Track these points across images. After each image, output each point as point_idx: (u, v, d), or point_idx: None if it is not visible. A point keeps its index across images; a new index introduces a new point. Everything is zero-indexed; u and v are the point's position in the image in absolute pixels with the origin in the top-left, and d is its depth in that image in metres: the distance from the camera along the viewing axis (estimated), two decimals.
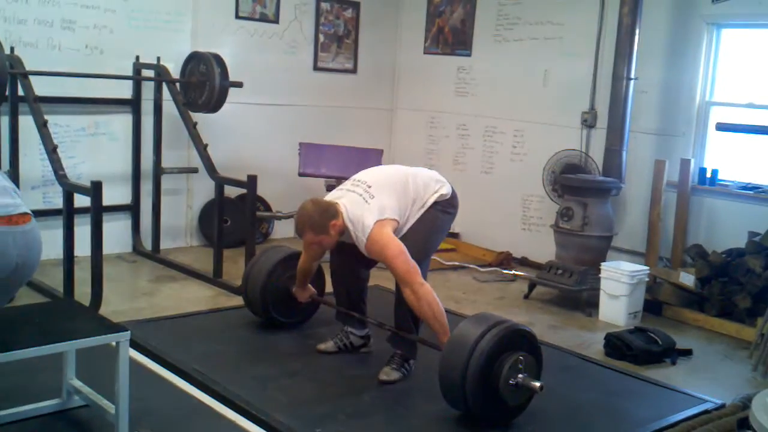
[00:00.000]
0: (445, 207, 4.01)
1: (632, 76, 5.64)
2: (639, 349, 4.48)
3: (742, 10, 5.39)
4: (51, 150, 4.83)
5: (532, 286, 5.72)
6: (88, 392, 3.21)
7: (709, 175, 5.65)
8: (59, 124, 5.70)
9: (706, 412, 3.70)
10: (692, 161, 5.65)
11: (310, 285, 4.43)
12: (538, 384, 3.34)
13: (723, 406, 3.76)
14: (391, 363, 3.94)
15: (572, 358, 4.47)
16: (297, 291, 4.40)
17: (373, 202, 3.78)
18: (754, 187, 5.44)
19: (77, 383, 3.28)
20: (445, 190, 4.02)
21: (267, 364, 4.04)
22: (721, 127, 4.97)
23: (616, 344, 4.56)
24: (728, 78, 5.66)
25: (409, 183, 3.95)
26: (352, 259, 4.04)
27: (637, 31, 5.60)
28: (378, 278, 6.01)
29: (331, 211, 3.77)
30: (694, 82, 5.68)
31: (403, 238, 3.80)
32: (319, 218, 3.77)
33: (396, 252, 3.67)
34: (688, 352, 4.65)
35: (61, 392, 3.32)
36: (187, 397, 3.60)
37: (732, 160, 5.67)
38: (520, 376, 3.33)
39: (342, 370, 4.02)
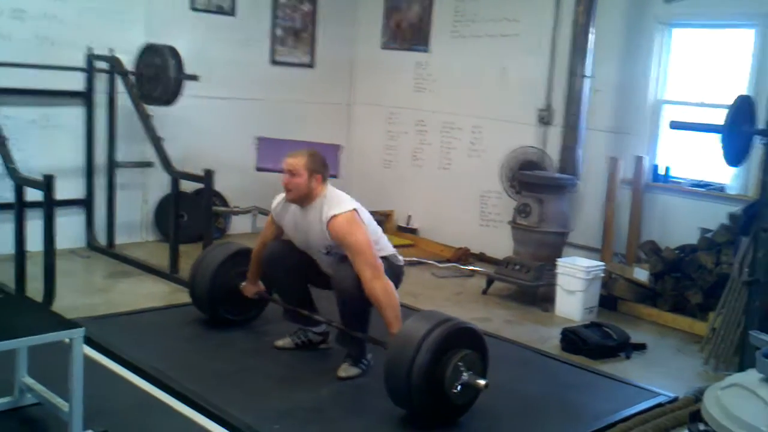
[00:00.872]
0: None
1: (587, 73, 5.70)
2: (594, 343, 4.54)
3: (694, 11, 5.49)
4: (1, 142, 4.71)
5: (489, 281, 5.76)
6: (40, 390, 3.15)
7: (662, 172, 5.75)
8: (8, 115, 5.55)
9: (659, 405, 3.77)
10: (645, 158, 5.74)
11: (260, 281, 4.37)
12: (483, 382, 3.34)
13: (676, 399, 3.84)
14: (348, 359, 3.93)
15: (529, 352, 4.52)
16: (246, 287, 4.37)
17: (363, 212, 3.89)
18: (706, 185, 5.55)
19: (29, 381, 3.21)
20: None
21: (223, 360, 4.00)
22: (675, 125, 5.03)
23: (572, 339, 4.62)
24: (680, 77, 5.76)
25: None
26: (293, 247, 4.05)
27: (591, 30, 5.66)
28: None
29: (324, 170, 3.88)
30: (647, 81, 5.77)
31: None
32: (316, 162, 3.86)
33: (367, 241, 3.71)
34: (642, 347, 4.73)
35: (12, 390, 3.25)
36: (143, 393, 3.55)
37: (684, 157, 5.77)
38: (465, 374, 3.32)
39: (299, 366, 4.00)
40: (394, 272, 3.99)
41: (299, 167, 3.83)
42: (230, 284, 4.38)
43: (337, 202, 3.82)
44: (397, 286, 3.95)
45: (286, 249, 4.09)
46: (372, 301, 3.70)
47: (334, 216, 3.74)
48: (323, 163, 3.91)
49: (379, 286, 3.67)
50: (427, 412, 3.35)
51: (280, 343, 4.23)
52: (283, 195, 4.02)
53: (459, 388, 3.31)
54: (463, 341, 3.39)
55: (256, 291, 4.39)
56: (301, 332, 4.24)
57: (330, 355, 4.17)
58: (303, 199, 3.87)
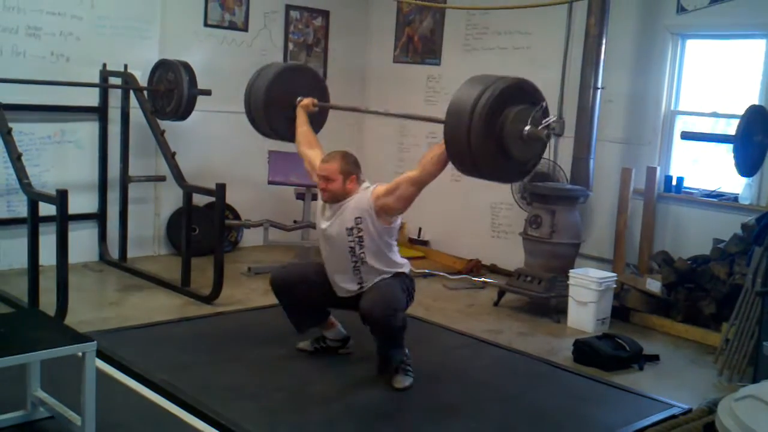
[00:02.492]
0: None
1: (599, 85, 5.70)
2: (607, 355, 4.52)
3: (706, 21, 5.48)
4: (15, 158, 4.77)
5: (501, 293, 5.74)
6: (53, 404, 3.17)
7: (674, 182, 5.73)
8: (24, 131, 5.63)
9: (673, 417, 3.73)
10: (658, 169, 5.72)
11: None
12: (544, 131, 3.32)
13: (690, 410, 3.80)
14: (400, 371, 3.95)
15: (541, 364, 4.50)
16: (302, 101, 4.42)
17: None
18: (719, 195, 5.53)
19: (42, 394, 3.23)
20: None
21: (236, 374, 4.01)
22: (686, 136, 5.03)
23: (584, 350, 4.60)
24: (693, 87, 5.75)
25: None
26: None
27: (603, 41, 5.66)
28: None
29: (357, 170, 3.98)
30: (659, 92, 5.76)
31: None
32: (349, 164, 3.96)
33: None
34: (655, 358, 4.70)
35: (25, 404, 3.26)
36: (155, 407, 3.56)
37: (696, 167, 5.75)
38: (526, 128, 3.30)
39: (312, 380, 4.00)
40: (410, 288, 4.04)
41: (334, 173, 3.90)
42: (287, 97, 4.43)
43: (369, 189, 3.95)
44: (411, 301, 4.02)
45: (307, 273, 4.16)
46: (432, 171, 3.76)
47: (372, 193, 3.88)
48: (356, 163, 4.01)
49: (421, 169, 3.77)
50: (495, 174, 3.47)
51: (301, 345, 4.30)
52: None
53: (522, 141, 3.30)
54: (520, 97, 3.38)
55: (312, 102, 4.45)
56: (321, 338, 4.29)
57: (341, 365, 4.17)
58: (340, 198, 3.94)
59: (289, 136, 4.55)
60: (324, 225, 4.01)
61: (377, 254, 3.93)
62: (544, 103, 3.43)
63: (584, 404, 3.95)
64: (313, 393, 3.84)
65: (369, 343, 4.01)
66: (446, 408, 3.78)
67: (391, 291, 3.87)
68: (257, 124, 4.66)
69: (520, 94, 3.39)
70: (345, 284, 4.01)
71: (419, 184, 3.79)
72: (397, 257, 4.06)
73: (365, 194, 3.91)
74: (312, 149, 4.32)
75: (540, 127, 3.33)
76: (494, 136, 3.29)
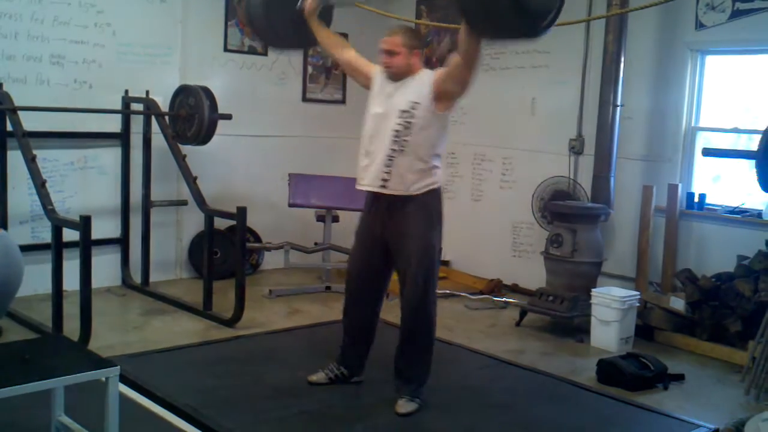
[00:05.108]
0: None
1: (618, 102, 5.69)
2: (631, 374, 4.47)
3: (725, 37, 5.46)
4: (40, 185, 4.83)
5: (523, 313, 5.71)
6: (77, 429, 3.18)
7: (696, 199, 5.68)
8: (48, 158, 5.70)
9: None
10: (680, 186, 5.68)
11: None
12: None
13: (716, 430, 3.76)
14: (405, 395, 3.92)
15: (564, 385, 4.46)
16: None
17: None
18: (742, 211, 5.48)
19: (66, 420, 3.25)
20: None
21: (259, 398, 4.01)
22: (707, 152, 5.00)
23: (608, 370, 4.56)
24: (713, 103, 5.72)
25: None
26: (374, 268, 4.05)
27: (622, 59, 5.66)
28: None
29: (422, 45, 3.97)
30: (679, 108, 5.74)
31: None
32: (413, 38, 3.90)
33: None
34: (680, 377, 4.65)
35: (50, 429, 3.28)
36: None
37: (719, 184, 5.71)
38: None
39: (333, 402, 4.00)
40: (440, 221, 3.98)
41: (397, 45, 3.84)
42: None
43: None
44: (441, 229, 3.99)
45: (366, 277, 4.10)
46: (468, 49, 3.62)
47: (437, 70, 3.85)
48: (420, 37, 3.98)
49: (461, 49, 3.67)
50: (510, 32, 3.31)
51: (314, 378, 4.23)
52: (378, 67, 4.03)
53: None
54: None
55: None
56: (334, 366, 4.24)
57: (362, 389, 4.16)
58: (403, 75, 3.90)
59: (297, 42, 4.42)
60: (378, 109, 3.94)
61: (417, 151, 3.81)
62: None
63: (609, 425, 3.91)
64: (335, 416, 3.83)
65: (389, 366, 4.00)
66: (468, 430, 3.75)
67: (428, 286, 3.89)
68: (262, 34, 4.47)
69: None
70: (368, 171, 3.93)
71: (466, 64, 3.68)
72: (436, 170, 3.92)
73: (428, 76, 3.86)
74: (345, 49, 4.23)
75: None
76: None
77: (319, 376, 4.23)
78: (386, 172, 3.85)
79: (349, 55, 4.21)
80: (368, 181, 3.94)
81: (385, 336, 4.27)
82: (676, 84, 5.74)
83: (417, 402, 3.91)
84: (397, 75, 3.89)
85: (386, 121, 3.86)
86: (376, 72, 4.04)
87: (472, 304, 6.29)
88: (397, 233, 3.89)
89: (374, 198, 3.98)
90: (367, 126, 4.00)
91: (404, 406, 3.88)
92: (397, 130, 3.81)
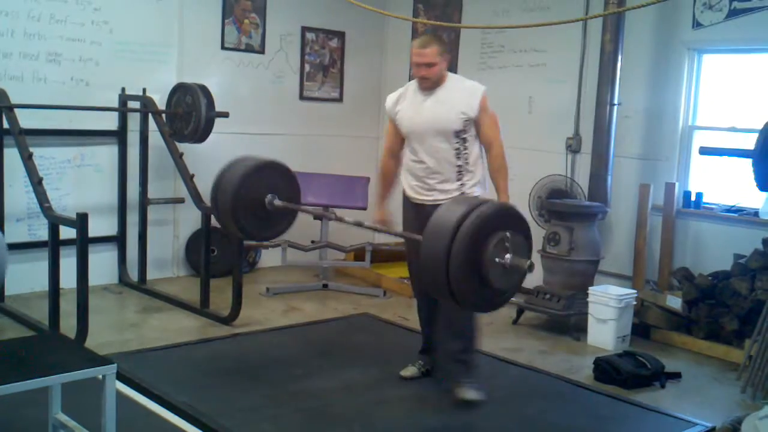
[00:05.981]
0: None
1: (615, 101, 5.69)
2: (628, 373, 4.47)
3: (723, 36, 5.46)
4: (36, 182, 4.82)
5: (520, 311, 5.72)
6: (74, 426, 3.17)
7: (693, 198, 5.69)
8: (45, 156, 5.69)
9: None
10: (677, 185, 5.69)
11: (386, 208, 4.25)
12: (527, 262, 3.11)
13: (713, 429, 3.77)
14: (467, 381, 3.97)
15: (561, 383, 4.47)
16: (378, 211, 4.26)
17: None
18: (739, 210, 5.49)
19: (63, 417, 3.24)
20: None
21: (255, 395, 4.01)
22: (704, 151, 5.00)
23: (605, 368, 4.56)
24: (710, 102, 5.73)
25: None
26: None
27: (619, 58, 5.66)
28: (369, 307, 6.01)
29: (448, 48, 4.07)
30: (676, 107, 5.74)
31: None
32: (443, 43, 4.02)
33: (496, 119, 4.07)
34: (677, 376, 4.65)
35: (47, 427, 3.28)
36: (176, 429, 3.57)
37: (716, 183, 5.72)
38: (507, 255, 3.08)
39: (331, 400, 4.00)
40: None
41: (435, 56, 3.88)
42: (257, 197, 4.06)
43: (470, 84, 4.03)
44: None
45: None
46: (496, 162, 4.06)
47: (480, 97, 3.94)
48: (444, 40, 4.03)
49: (502, 147, 4.05)
50: (467, 299, 3.14)
51: (407, 373, 4.23)
52: (393, 95, 4.15)
53: (500, 271, 3.08)
54: (503, 223, 3.14)
55: (384, 218, 4.23)
56: (424, 360, 4.27)
57: (364, 386, 4.17)
58: (438, 84, 3.95)
59: (258, 236, 4.30)
60: (408, 119, 3.99)
61: (474, 156, 4.04)
62: (529, 232, 3.30)
63: (605, 423, 3.92)
64: (332, 414, 3.83)
65: (390, 365, 4.00)
66: (465, 428, 3.76)
67: None
68: (226, 227, 4.26)
69: (505, 220, 3.17)
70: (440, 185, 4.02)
71: (482, 142, 4.03)
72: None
73: (473, 92, 3.94)
74: (394, 147, 4.23)
75: (522, 258, 3.13)
76: (475, 262, 3.05)
77: (411, 371, 4.23)
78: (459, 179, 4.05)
79: (395, 141, 4.21)
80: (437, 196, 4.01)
81: (385, 334, 4.27)
82: (674, 83, 5.74)
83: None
84: (432, 86, 3.94)
85: (437, 123, 3.94)
86: (395, 100, 4.12)
87: None
88: None
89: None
90: (410, 126, 4.03)
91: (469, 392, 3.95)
92: (457, 149, 3.98)
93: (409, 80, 7.42)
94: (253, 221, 4.09)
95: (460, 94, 3.92)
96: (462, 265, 3.01)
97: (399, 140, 4.16)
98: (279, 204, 4.05)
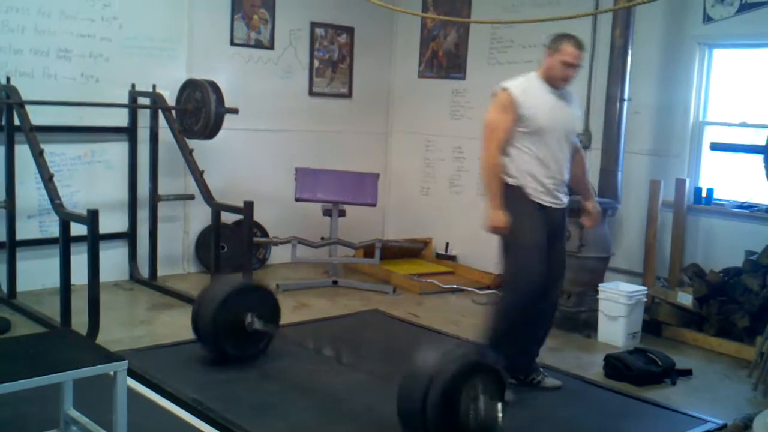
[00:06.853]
0: None
1: (626, 97, 5.67)
2: (638, 369, 4.46)
3: (733, 31, 5.43)
4: (47, 179, 4.84)
5: None
6: (85, 423, 3.19)
7: (704, 194, 5.66)
8: (55, 152, 5.71)
9: None
10: (687, 181, 5.67)
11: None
12: (499, 404, 3.18)
13: (724, 426, 3.76)
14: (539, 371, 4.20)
15: (571, 380, 4.45)
16: (495, 217, 3.99)
17: None
18: (750, 206, 5.46)
19: (75, 413, 3.26)
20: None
21: (266, 392, 4.02)
22: (715, 146, 4.99)
23: (615, 365, 4.55)
24: (721, 98, 5.70)
25: None
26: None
27: (629, 53, 5.64)
28: (378, 303, 6.01)
29: None
30: (687, 103, 5.71)
31: None
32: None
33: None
34: (687, 373, 4.64)
35: (58, 423, 3.29)
36: (187, 426, 3.58)
37: (727, 179, 5.69)
38: (480, 403, 3.17)
39: (341, 397, 4.00)
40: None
41: (583, 59, 4.05)
42: (235, 318, 4.26)
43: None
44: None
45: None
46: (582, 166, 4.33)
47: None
48: None
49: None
50: None
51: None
52: (517, 84, 3.97)
53: (478, 417, 3.18)
54: (473, 373, 3.24)
55: (506, 221, 3.96)
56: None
57: (374, 382, 4.16)
58: None
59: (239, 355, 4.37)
60: (546, 116, 3.95)
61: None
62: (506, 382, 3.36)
63: (616, 420, 3.91)
64: (342, 410, 3.84)
65: (400, 362, 3.99)
66: None
67: None
68: (206, 347, 4.40)
69: (479, 368, 3.25)
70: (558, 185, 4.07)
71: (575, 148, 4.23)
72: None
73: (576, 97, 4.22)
74: (505, 135, 4.02)
75: (496, 405, 3.20)
76: (450, 413, 3.15)
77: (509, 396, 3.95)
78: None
79: (507, 130, 4.00)
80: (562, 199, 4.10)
81: (394, 330, 4.27)
82: (684, 78, 5.71)
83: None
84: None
85: (568, 127, 4.08)
86: (523, 90, 3.95)
87: (479, 299, 6.28)
88: None
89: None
90: (547, 123, 3.96)
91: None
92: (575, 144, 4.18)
93: (419, 77, 7.53)
94: (236, 342, 4.31)
95: (574, 98, 4.12)
96: (437, 415, 3.15)
97: (510, 135, 3.98)
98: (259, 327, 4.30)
